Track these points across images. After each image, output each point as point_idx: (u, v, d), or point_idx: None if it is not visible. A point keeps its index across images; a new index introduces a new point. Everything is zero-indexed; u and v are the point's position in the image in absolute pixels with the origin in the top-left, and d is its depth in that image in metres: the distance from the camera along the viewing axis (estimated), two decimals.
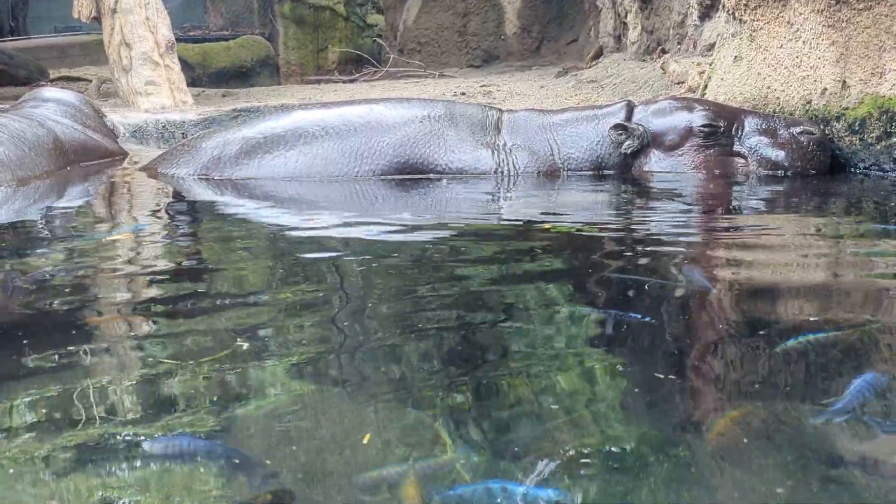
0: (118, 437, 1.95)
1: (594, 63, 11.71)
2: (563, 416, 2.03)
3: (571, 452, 1.84)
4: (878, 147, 5.27)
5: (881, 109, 5.22)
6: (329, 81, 14.20)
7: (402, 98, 7.41)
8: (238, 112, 8.94)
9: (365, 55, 16.13)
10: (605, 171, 5.48)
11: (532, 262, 3.49)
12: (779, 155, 5.31)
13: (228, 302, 2.93)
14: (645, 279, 3.16)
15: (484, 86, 11.01)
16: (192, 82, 11.30)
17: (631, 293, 3.03)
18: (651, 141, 5.44)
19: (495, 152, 5.44)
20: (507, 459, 1.82)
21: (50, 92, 7.04)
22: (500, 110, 5.83)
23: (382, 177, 5.38)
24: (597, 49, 12.47)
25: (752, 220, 4.44)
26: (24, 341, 2.53)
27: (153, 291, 3.11)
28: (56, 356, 2.40)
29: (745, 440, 1.90)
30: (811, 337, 2.33)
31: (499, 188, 5.21)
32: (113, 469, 1.82)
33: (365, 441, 1.90)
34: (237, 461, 1.83)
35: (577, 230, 4.12)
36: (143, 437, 1.93)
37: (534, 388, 2.19)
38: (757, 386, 2.18)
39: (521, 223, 4.41)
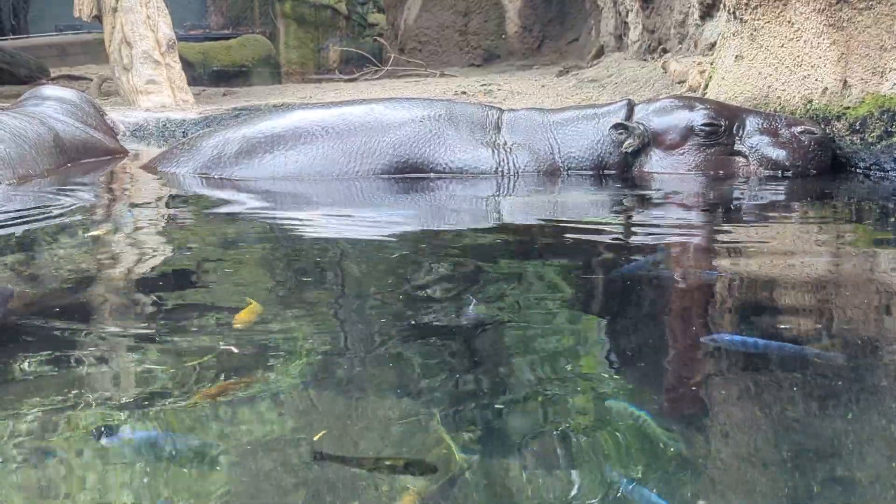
0: (113, 440, 1.95)
1: (595, 62, 11.71)
2: (560, 408, 2.03)
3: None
4: (879, 146, 5.27)
5: (882, 109, 5.21)
6: (330, 80, 14.19)
7: (401, 98, 7.41)
8: (238, 111, 8.93)
9: (366, 54, 16.13)
10: (606, 171, 5.46)
11: (531, 260, 3.49)
12: (780, 154, 5.30)
13: (225, 302, 2.93)
14: (643, 276, 3.16)
15: (485, 85, 11.01)
16: (193, 81, 11.29)
17: (630, 291, 3.03)
18: (652, 140, 5.43)
19: (495, 151, 5.43)
20: (507, 457, 1.82)
21: (51, 90, 7.05)
22: (501, 109, 5.82)
23: (383, 176, 5.38)
24: (598, 48, 12.46)
25: (751, 220, 4.43)
26: (21, 342, 2.53)
27: (149, 291, 3.11)
28: (51, 358, 2.39)
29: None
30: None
31: (499, 187, 5.21)
32: (108, 471, 1.82)
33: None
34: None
35: (577, 228, 4.12)
36: (135, 439, 1.93)
37: (534, 384, 2.19)
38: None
39: (520, 221, 4.41)
